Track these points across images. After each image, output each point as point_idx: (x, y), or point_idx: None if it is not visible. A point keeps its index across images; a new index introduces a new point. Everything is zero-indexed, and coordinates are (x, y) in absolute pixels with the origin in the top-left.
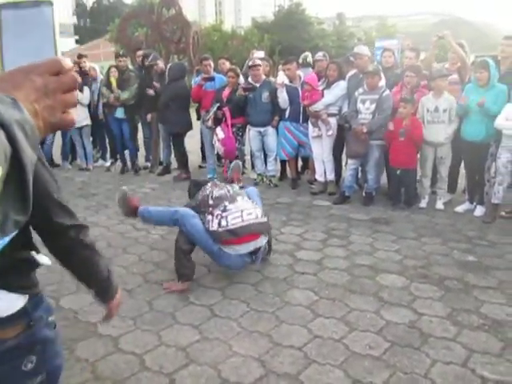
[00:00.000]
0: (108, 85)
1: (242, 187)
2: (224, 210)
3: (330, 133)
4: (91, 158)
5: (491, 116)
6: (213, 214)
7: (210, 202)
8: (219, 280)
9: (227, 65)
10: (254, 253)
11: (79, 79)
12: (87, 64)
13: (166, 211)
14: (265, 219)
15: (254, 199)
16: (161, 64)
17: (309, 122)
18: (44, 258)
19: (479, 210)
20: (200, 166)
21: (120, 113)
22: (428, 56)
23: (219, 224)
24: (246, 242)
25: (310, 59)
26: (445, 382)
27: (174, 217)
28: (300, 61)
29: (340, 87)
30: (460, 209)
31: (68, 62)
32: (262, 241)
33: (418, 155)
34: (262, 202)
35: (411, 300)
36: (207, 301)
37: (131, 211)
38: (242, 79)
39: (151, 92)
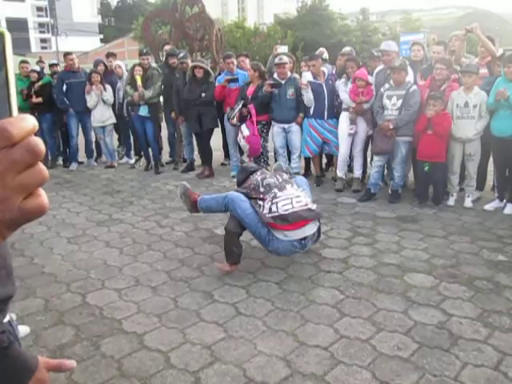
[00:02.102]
0: (132, 83)
1: (291, 177)
2: (274, 197)
3: (370, 132)
4: (115, 155)
5: None
6: (264, 200)
7: (261, 189)
8: (243, 278)
9: (247, 62)
10: (304, 239)
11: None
12: (113, 63)
13: (219, 197)
14: (314, 206)
15: (303, 187)
16: (189, 62)
17: (341, 119)
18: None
19: (509, 208)
20: (222, 164)
21: (144, 111)
22: (457, 50)
23: (270, 209)
24: (297, 228)
25: (326, 55)
26: None
27: (224, 201)
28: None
29: None
30: (489, 207)
31: (22, 125)
32: (312, 228)
33: None
34: (310, 191)
35: (440, 300)
36: (231, 299)
37: (192, 205)
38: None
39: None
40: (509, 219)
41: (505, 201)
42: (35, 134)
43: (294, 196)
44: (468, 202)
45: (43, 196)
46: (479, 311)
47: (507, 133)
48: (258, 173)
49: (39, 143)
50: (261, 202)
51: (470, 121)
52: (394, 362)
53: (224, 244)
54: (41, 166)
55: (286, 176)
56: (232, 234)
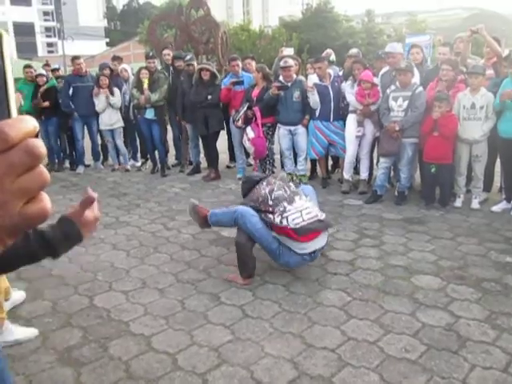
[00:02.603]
0: (138, 86)
1: (297, 186)
2: (284, 211)
3: (377, 134)
4: (127, 158)
5: None
6: (274, 213)
7: (270, 202)
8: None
9: (253, 65)
10: (314, 251)
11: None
12: (119, 66)
13: (228, 212)
14: (323, 216)
15: (310, 196)
16: (196, 65)
17: (348, 121)
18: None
19: None
20: (228, 166)
21: (150, 114)
22: (462, 51)
23: (280, 223)
24: (308, 240)
25: (333, 58)
26: None
27: (234, 216)
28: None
29: None
30: (497, 208)
31: (21, 126)
32: (323, 239)
33: None
34: (317, 198)
35: (448, 302)
36: (238, 301)
37: (203, 221)
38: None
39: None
40: None
41: None
42: (42, 138)
43: (304, 208)
44: (475, 204)
45: (45, 200)
46: (487, 313)
47: None
48: (264, 183)
49: (39, 145)
50: (270, 216)
51: (477, 122)
52: (402, 364)
53: (237, 258)
54: (41, 168)
55: (292, 186)
56: (244, 247)
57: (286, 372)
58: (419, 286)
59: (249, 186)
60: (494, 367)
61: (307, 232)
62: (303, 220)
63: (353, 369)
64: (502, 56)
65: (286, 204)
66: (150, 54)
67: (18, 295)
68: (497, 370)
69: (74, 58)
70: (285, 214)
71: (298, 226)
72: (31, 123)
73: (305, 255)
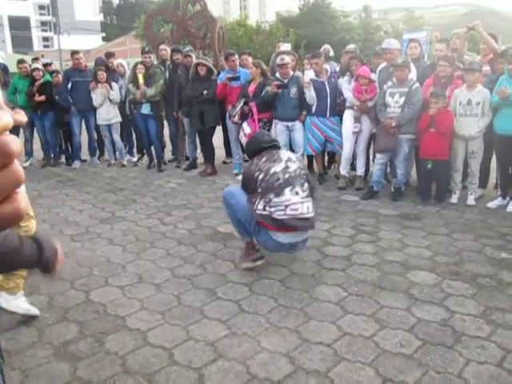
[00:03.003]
0: (134, 81)
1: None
2: (269, 201)
3: (374, 130)
4: (123, 153)
5: None
6: (259, 199)
7: (259, 189)
8: (246, 275)
9: (250, 60)
10: (291, 243)
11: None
12: (115, 62)
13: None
14: (311, 215)
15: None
16: (194, 57)
17: (345, 117)
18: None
19: None
20: (224, 162)
21: (146, 109)
22: (459, 48)
23: (263, 208)
24: (285, 231)
25: (332, 53)
26: (479, 382)
27: (224, 196)
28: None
29: None
30: (492, 204)
31: None
32: (302, 234)
33: None
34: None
35: (443, 297)
36: (235, 296)
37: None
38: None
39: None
40: (511, 217)
41: (508, 198)
42: (38, 133)
43: (291, 203)
44: (471, 200)
45: (19, 200)
46: (482, 308)
47: (510, 131)
48: (267, 158)
49: (11, 142)
50: (255, 199)
51: (473, 118)
52: (398, 358)
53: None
54: (15, 166)
55: (298, 170)
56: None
57: (282, 367)
58: (415, 281)
59: (254, 148)
60: (488, 362)
61: (286, 226)
62: (285, 214)
63: (348, 363)
64: (498, 52)
65: (272, 196)
66: (146, 48)
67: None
68: (491, 365)
69: (74, 53)
70: (268, 205)
71: (278, 217)
72: (5, 119)
73: (282, 243)
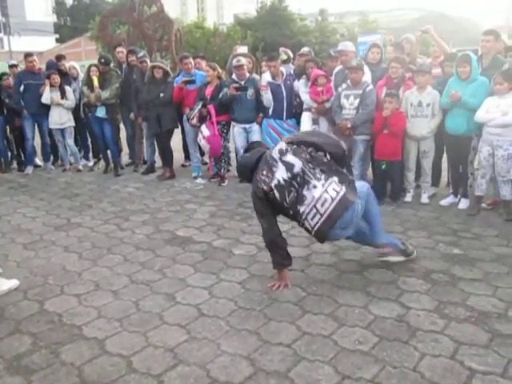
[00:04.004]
0: (88, 84)
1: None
2: (301, 216)
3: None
4: (78, 158)
5: (473, 109)
6: (298, 219)
7: (290, 212)
8: (205, 279)
9: (203, 64)
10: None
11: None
12: (67, 64)
13: None
14: (342, 191)
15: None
16: (149, 62)
17: (303, 120)
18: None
19: (463, 203)
20: (183, 165)
21: (101, 112)
22: (412, 51)
23: (308, 225)
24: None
25: (291, 54)
26: (434, 374)
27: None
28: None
29: None
30: (445, 202)
31: None
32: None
33: None
34: None
35: (399, 294)
36: (194, 300)
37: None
38: (223, 75)
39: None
40: (463, 214)
41: (459, 196)
42: None
43: (316, 200)
44: (424, 198)
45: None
46: (436, 303)
47: (460, 130)
48: (266, 167)
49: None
50: (300, 219)
51: (424, 119)
52: (356, 355)
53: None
54: None
55: (298, 160)
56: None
57: (243, 369)
58: (371, 279)
59: (247, 170)
60: (442, 355)
61: (332, 220)
62: (321, 215)
63: (308, 363)
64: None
65: (299, 207)
66: (102, 60)
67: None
68: (445, 358)
69: (27, 55)
70: (302, 218)
71: (318, 224)
72: None
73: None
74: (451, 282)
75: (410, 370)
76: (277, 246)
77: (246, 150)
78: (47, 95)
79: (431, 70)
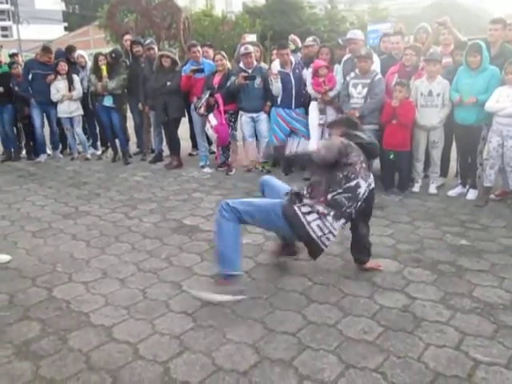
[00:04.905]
0: (96, 72)
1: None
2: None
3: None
4: (86, 147)
5: (483, 100)
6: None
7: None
8: (212, 267)
9: (210, 53)
10: None
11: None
12: (76, 53)
13: None
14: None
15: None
16: (156, 50)
17: (311, 109)
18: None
19: (472, 194)
20: (190, 154)
21: (108, 101)
22: (427, 42)
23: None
24: None
25: (299, 43)
26: (438, 365)
27: None
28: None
29: (337, 72)
30: (453, 193)
31: None
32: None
33: None
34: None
35: (404, 284)
36: (200, 288)
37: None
38: (229, 64)
39: None
40: (471, 204)
41: (467, 186)
42: None
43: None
44: (432, 189)
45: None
46: (442, 294)
47: (469, 120)
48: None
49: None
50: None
51: (434, 109)
52: (360, 345)
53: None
54: None
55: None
56: None
57: (248, 357)
58: (377, 269)
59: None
60: (447, 345)
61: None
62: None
63: (312, 351)
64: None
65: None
66: (113, 55)
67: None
68: (450, 348)
69: (47, 50)
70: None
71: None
72: None
73: None
74: (458, 272)
75: (414, 360)
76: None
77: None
78: (56, 93)
79: (442, 59)
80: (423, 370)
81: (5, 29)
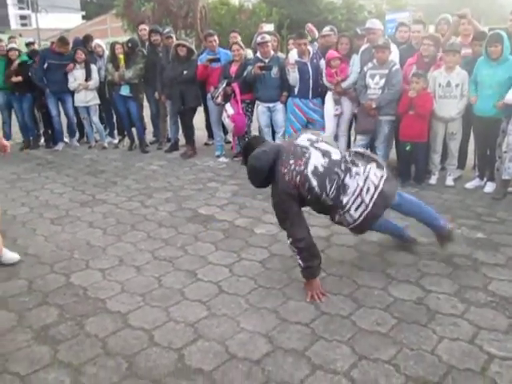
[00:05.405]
0: (113, 62)
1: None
2: (344, 207)
3: (355, 111)
4: (103, 135)
5: (503, 91)
6: (335, 212)
7: (327, 203)
8: (226, 257)
9: (238, 38)
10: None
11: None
12: (93, 43)
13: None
14: (384, 171)
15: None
16: (174, 38)
17: (327, 100)
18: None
19: (489, 187)
20: (206, 144)
21: (125, 90)
22: (447, 34)
23: (349, 223)
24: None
25: (316, 34)
26: (451, 358)
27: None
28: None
29: (355, 62)
30: (470, 185)
31: None
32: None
33: None
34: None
35: (419, 277)
36: (215, 277)
37: None
38: (248, 53)
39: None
40: (488, 197)
41: (485, 179)
42: (16, 115)
43: (360, 188)
44: (449, 181)
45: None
46: (457, 287)
47: (489, 112)
48: (293, 156)
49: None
50: (334, 214)
51: (453, 100)
52: (373, 336)
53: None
54: None
55: (335, 150)
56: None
57: (261, 346)
58: (392, 261)
59: (264, 171)
60: (460, 339)
61: (375, 215)
62: (366, 206)
63: (325, 342)
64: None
65: (341, 197)
66: (129, 44)
67: (11, 255)
68: (463, 342)
69: (64, 43)
70: (346, 210)
71: (361, 219)
72: None
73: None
74: (473, 266)
75: (427, 352)
76: (313, 255)
77: (245, 149)
78: (73, 82)
79: (461, 49)
80: (436, 362)
81: (24, 18)
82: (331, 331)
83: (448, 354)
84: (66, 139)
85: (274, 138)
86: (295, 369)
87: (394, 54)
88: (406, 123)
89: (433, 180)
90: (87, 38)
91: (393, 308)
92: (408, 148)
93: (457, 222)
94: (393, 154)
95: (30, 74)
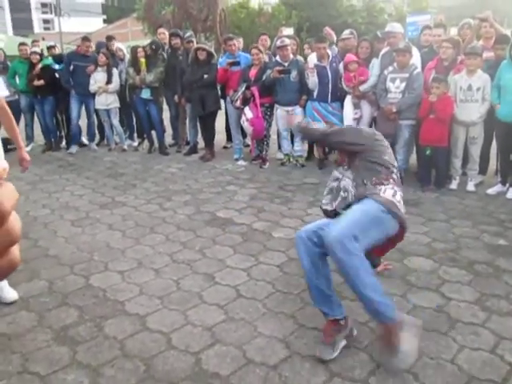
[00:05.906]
0: (135, 65)
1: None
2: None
3: (375, 114)
4: (123, 138)
5: None
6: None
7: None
8: (244, 261)
9: (268, 41)
10: None
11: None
12: (115, 46)
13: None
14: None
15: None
16: (195, 43)
17: (346, 103)
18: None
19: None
20: (225, 147)
21: (146, 94)
22: (468, 37)
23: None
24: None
25: (334, 38)
26: (472, 367)
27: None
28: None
29: (374, 66)
30: (492, 191)
31: None
32: None
33: None
34: None
35: (439, 284)
36: (233, 281)
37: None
38: (265, 57)
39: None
40: (510, 203)
41: (507, 185)
42: (38, 117)
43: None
44: (470, 186)
45: (13, 253)
46: (478, 295)
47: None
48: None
49: (4, 200)
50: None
51: (474, 104)
52: None
53: None
54: (9, 225)
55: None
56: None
57: (278, 351)
58: (412, 267)
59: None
60: (481, 348)
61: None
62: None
63: (343, 349)
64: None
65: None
66: (153, 46)
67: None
68: (484, 351)
69: (85, 40)
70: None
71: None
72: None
73: None
74: (495, 273)
75: (447, 361)
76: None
77: None
78: (94, 84)
79: (482, 53)
80: (456, 372)
81: (47, 22)
82: (349, 338)
83: (468, 364)
84: (86, 141)
85: (292, 142)
86: (312, 375)
87: (416, 58)
88: (426, 127)
89: (454, 185)
90: (109, 38)
91: (412, 315)
92: (428, 152)
93: (478, 228)
94: (413, 158)
95: (59, 77)
